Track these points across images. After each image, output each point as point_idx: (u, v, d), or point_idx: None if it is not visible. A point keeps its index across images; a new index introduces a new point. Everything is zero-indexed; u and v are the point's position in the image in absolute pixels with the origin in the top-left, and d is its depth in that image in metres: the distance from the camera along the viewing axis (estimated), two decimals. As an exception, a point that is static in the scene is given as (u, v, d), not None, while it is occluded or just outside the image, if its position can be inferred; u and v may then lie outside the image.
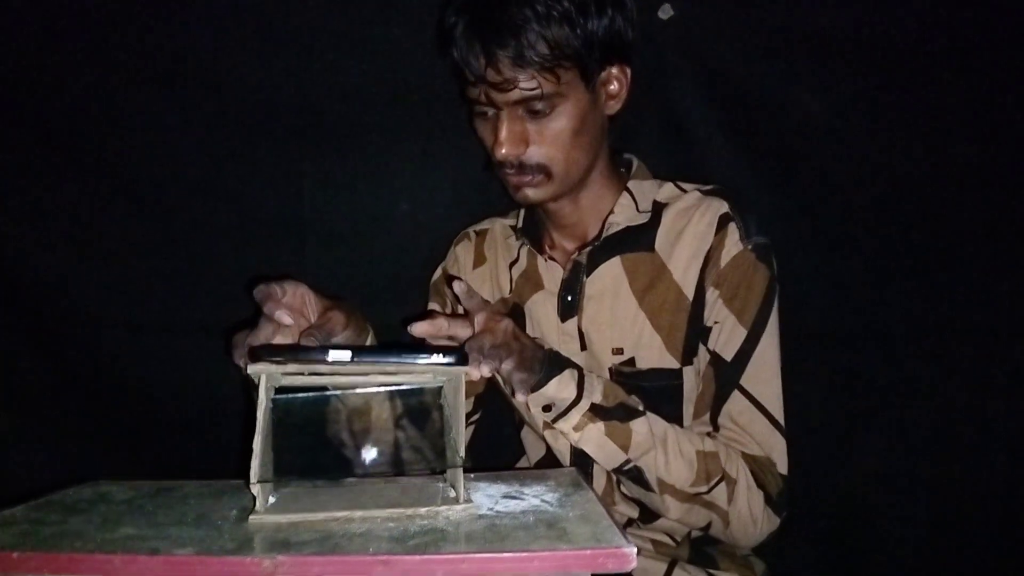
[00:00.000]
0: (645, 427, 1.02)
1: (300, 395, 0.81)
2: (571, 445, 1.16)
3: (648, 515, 1.15)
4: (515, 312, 1.24)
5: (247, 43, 1.33)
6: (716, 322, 1.10)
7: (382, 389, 0.83)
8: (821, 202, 1.41)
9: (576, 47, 1.01)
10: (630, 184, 1.18)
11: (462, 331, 0.94)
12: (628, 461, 1.02)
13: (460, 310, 1.29)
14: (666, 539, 1.15)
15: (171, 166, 1.36)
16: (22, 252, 1.38)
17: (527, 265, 1.24)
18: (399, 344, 1.27)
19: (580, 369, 1.04)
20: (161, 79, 1.32)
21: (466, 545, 0.67)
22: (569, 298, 1.18)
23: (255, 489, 0.75)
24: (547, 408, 1.02)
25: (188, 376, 1.42)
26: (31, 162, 1.35)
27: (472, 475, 0.92)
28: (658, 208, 1.17)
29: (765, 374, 1.09)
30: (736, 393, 1.08)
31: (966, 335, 1.38)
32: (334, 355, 0.77)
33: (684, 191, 1.18)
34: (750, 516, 1.05)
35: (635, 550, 0.63)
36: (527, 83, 1.01)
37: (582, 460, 1.15)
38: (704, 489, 1.03)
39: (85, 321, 1.40)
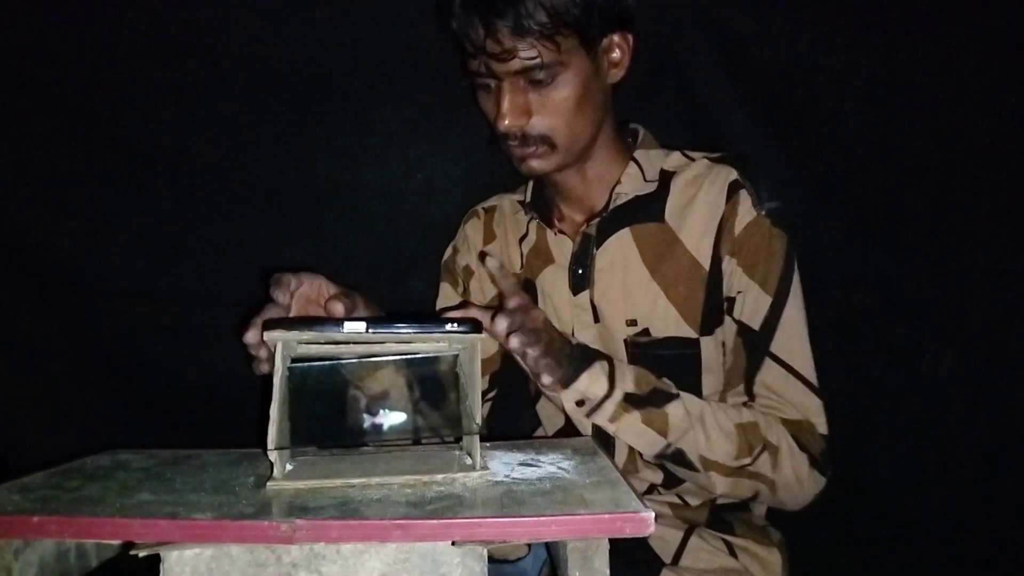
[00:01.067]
0: (681, 409, 1.02)
1: (316, 363, 0.82)
2: None
3: (671, 480, 1.15)
4: (527, 287, 1.23)
5: (259, 13, 1.32)
6: (739, 291, 1.09)
7: (398, 358, 0.83)
8: (839, 174, 1.40)
9: (576, 14, 1.00)
10: (636, 154, 1.17)
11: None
12: (668, 445, 1.02)
13: (472, 291, 1.29)
14: (688, 499, 1.15)
15: (184, 139, 1.36)
16: (35, 226, 1.38)
17: (537, 240, 1.24)
18: (414, 313, 1.28)
19: (610, 360, 1.03)
20: (173, 52, 1.32)
21: (483, 510, 0.67)
22: (580, 271, 1.17)
23: (272, 456, 0.76)
24: (580, 403, 1.02)
25: (203, 348, 1.42)
26: (43, 136, 1.35)
27: (488, 444, 0.92)
28: (666, 177, 1.16)
29: (794, 339, 1.09)
30: (768, 361, 1.08)
31: (988, 316, 1.36)
32: (349, 325, 0.77)
33: (692, 159, 1.17)
34: (796, 480, 1.05)
35: (652, 514, 0.63)
36: (527, 52, 1.00)
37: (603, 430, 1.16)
38: (748, 461, 1.03)
39: (99, 293, 1.41)
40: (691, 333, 1.12)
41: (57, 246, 1.39)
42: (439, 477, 0.77)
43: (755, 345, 1.09)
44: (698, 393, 1.11)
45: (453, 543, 0.65)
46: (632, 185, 1.15)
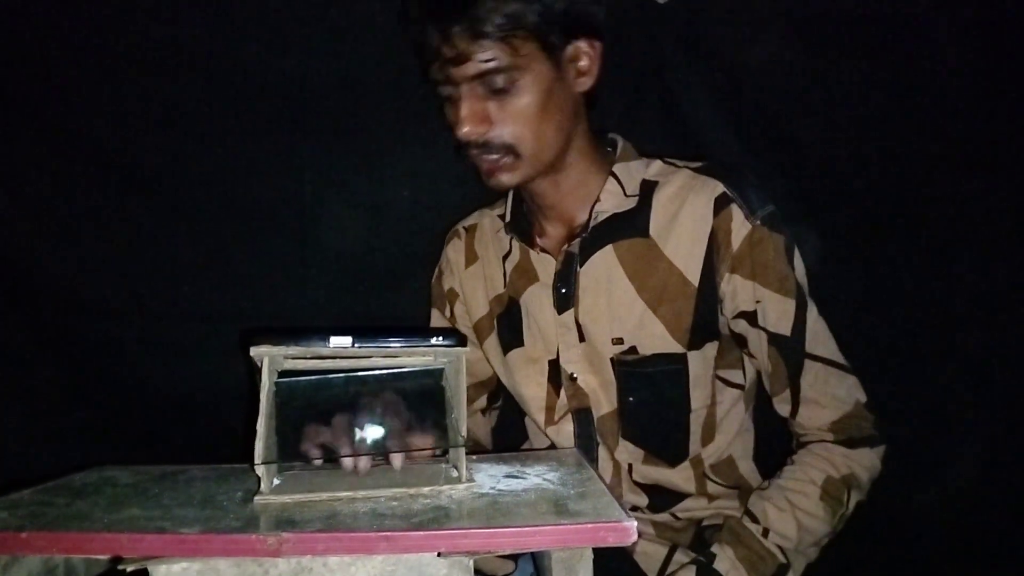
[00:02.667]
0: (801, 569, 1.08)
1: (303, 379, 0.82)
2: (574, 437, 1.18)
3: (657, 505, 1.16)
4: (512, 307, 1.22)
5: (248, 31, 1.33)
6: (758, 301, 1.07)
7: (384, 372, 0.84)
8: (821, 184, 1.41)
9: (532, 19, 0.98)
10: (615, 168, 1.14)
11: None
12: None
13: (458, 314, 1.30)
14: (670, 520, 1.16)
15: (173, 156, 1.36)
16: (25, 243, 1.38)
17: (520, 257, 1.22)
18: (399, 327, 1.28)
19: None
20: (164, 68, 1.32)
21: (469, 522, 0.68)
22: (564, 290, 1.15)
23: (260, 470, 0.76)
24: None
25: (190, 364, 1.42)
26: (34, 153, 1.35)
27: (475, 456, 0.93)
28: (648, 188, 1.14)
29: (822, 332, 1.10)
30: (807, 361, 1.08)
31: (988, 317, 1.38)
32: (336, 340, 0.78)
33: (675, 167, 1.15)
34: (868, 475, 1.08)
35: (635, 524, 0.64)
36: (483, 55, 0.98)
37: (587, 447, 1.16)
38: (843, 511, 1.06)
39: (87, 309, 1.40)
40: (678, 348, 1.11)
41: (46, 262, 1.39)
42: (425, 490, 0.77)
43: (792, 349, 1.08)
44: (687, 406, 1.12)
45: (439, 554, 0.65)
46: (612, 202, 1.13)
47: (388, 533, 0.64)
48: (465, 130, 1.02)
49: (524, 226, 1.21)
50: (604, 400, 1.14)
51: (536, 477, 0.83)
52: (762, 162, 1.40)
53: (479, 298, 1.27)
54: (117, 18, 1.31)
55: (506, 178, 1.06)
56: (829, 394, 1.08)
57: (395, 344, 0.80)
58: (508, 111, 1.02)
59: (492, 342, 1.25)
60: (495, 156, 1.05)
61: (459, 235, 1.31)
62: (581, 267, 1.14)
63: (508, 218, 1.23)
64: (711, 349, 1.12)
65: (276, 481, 0.80)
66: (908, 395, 1.38)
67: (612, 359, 1.13)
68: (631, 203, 1.13)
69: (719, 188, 1.09)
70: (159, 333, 1.41)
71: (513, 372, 1.22)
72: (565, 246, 1.15)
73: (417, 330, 1.28)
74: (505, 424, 1.37)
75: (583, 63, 1.06)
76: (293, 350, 0.78)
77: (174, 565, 0.66)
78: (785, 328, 1.08)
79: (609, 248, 1.13)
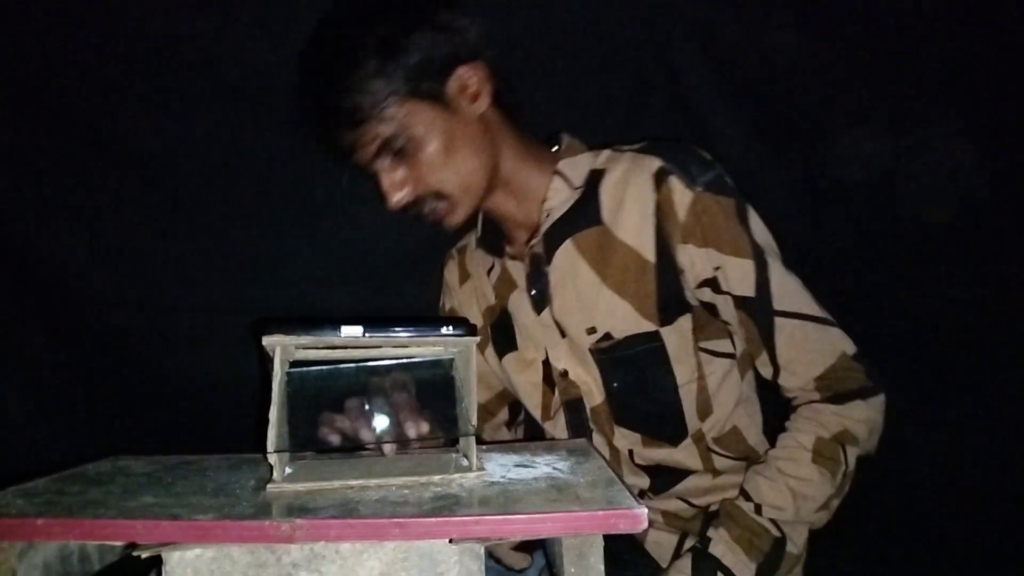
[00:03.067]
0: (802, 534, 1.08)
1: (314, 368, 0.83)
2: (567, 428, 1.20)
3: (660, 485, 1.16)
4: (503, 316, 1.25)
5: (258, 24, 1.33)
6: (717, 268, 1.08)
7: (394, 362, 0.85)
8: (828, 176, 1.41)
9: (398, 84, 1.02)
10: (560, 165, 1.17)
11: None
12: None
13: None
14: (680, 507, 1.17)
15: (183, 147, 1.36)
16: (34, 234, 1.39)
17: (500, 268, 1.25)
18: (410, 317, 1.29)
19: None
20: (173, 61, 1.33)
21: (480, 509, 0.68)
22: (536, 291, 1.18)
23: (272, 459, 0.77)
24: None
25: (200, 356, 1.44)
26: (42, 145, 1.35)
27: (484, 446, 0.93)
28: (595, 178, 1.15)
29: (789, 286, 1.09)
30: (778, 319, 1.08)
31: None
32: (346, 329, 0.79)
33: (621, 152, 1.16)
34: (866, 427, 1.06)
35: (645, 511, 0.64)
36: (370, 134, 1.03)
37: (581, 436, 1.17)
38: (844, 468, 1.05)
39: (97, 301, 1.41)
40: (650, 326, 1.11)
41: (58, 255, 1.40)
42: (436, 478, 0.78)
43: (759, 309, 1.08)
44: (673, 380, 1.12)
45: (451, 541, 0.66)
46: (559, 197, 1.15)
47: (400, 520, 0.64)
48: (392, 201, 1.07)
49: (494, 239, 1.25)
50: (595, 391, 1.16)
51: (546, 466, 0.83)
52: (769, 154, 1.41)
53: (475, 312, 1.30)
54: (128, 13, 1.32)
55: (450, 220, 1.11)
56: (808, 349, 1.08)
57: (406, 334, 0.81)
58: (419, 167, 1.06)
59: (490, 351, 1.29)
60: (430, 207, 1.10)
61: (452, 257, 1.36)
62: (549, 266, 1.16)
63: (479, 234, 1.27)
64: (685, 322, 1.12)
65: (288, 469, 0.81)
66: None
67: (591, 349, 1.14)
68: (578, 195, 1.15)
69: (656, 163, 1.10)
70: (172, 325, 1.42)
71: (511, 375, 1.26)
72: (528, 249, 1.18)
73: (427, 320, 1.30)
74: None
75: (471, 88, 1.08)
76: (305, 339, 0.79)
77: (188, 551, 0.66)
78: (748, 289, 1.08)
79: (569, 243, 1.15)
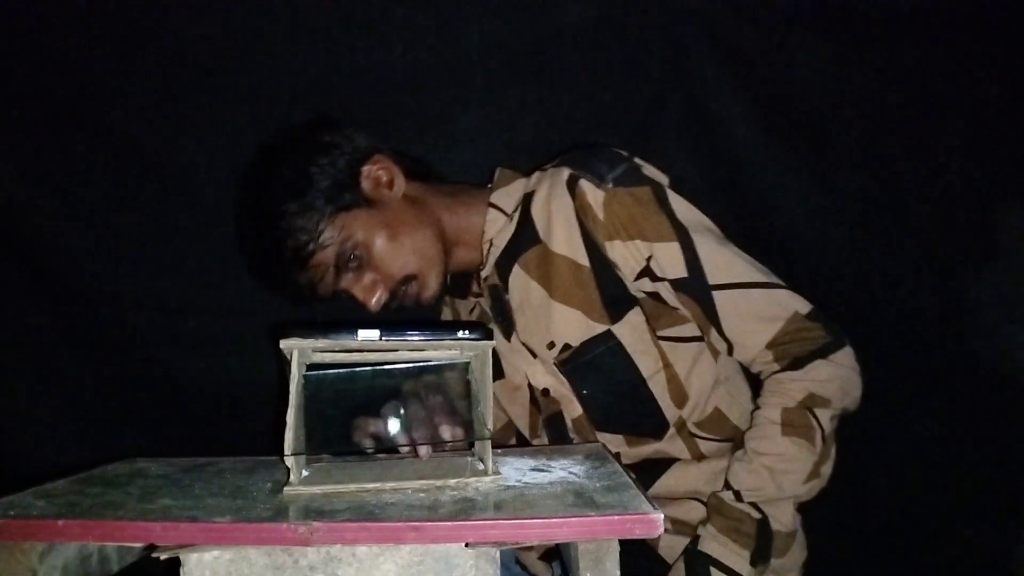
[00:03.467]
0: (788, 512, 1.05)
1: (331, 371, 0.83)
2: (548, 441, 1.23)
3: (644, 480, 1.15)
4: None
5: (266, 28, 1.34)
6: (648, 257, 1.09)
7: (411, 365, 0.85)
8: (848, 183, 1.41)
9: (321, 212, 1.08)
10: (492, 197, 1.21)
11: None
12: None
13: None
14: (688, 515, 1.16)
15: (199, 150, 1.38)
16: (52, 236, 1.40)
17: (475, 306, 1.30)
18: (426, 321, 1.30)
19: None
20: (190, 65, 1.34)
21: (495, 513, 0.68)
22: (501, 319, 1.22)
23: (289, 462, 0.77)
24: None
25: (214, 358, 1.45)
26: (60, 145, 1.37)
27: (499, 450, 0.94)
28: (527, 201, 1.18)
29: (724, 258, 1.09)
30: (716, 293, 1.08)
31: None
32: (363, 333, 0.79)
33: (545, 170, 1.19)
34: (836, 384, 1.05)
35: (662, 516, 0.64)
36: (321, 265, 1.09)
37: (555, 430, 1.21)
38: (821, 432, 1.03)
39: (115, 305, 1.43)
40: (602, 327, 1.13)
41: (76, 258, 1.41)
42: (452, 482, 0.78)
43: (696, 287, 1.08)
44: (638, 373, 1.13)
45: (467, 545, 0.66)
46: (495, 227, 1.20)
47: (416, 523, 0.65)
48: (372, 304, 1.13)
49: (464, 285, 1.29)
50: (574, 402, 1.18)
51: (562, 470, 0.83)
52: (788, 162, 1.41)
53: None
54: (139, 15, 1.33)
55: (425, 295, 1.16)
56: (753, 316, 1.07)
57: (422, 337, 0.81)
58: (379, 264, 1.12)
59: None
60: (406, 292, 1.15)
61: (447, 303, 1.39)
62: (508, 294, 1.20)
63: (448, 286, 1.29)
64: (635, 316, 1.14)
65: (305, 472, 0.81)
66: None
67: (555, 363, 1.17)
68: (514, 221, 1.19)
69: (566, 172, 1.14)
70: (188, 327, 1.44)
71: (501, 401, 1.29)
72: (484, 283, 1.23)
73: (443, 324, 1.31)
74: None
75: (383, 178, 1.15)
76: (322, 343, 0.79)
77: (206, 553, 0.67)
78: (680, 271, 1.09)
79: (517, 267, 1.18)
